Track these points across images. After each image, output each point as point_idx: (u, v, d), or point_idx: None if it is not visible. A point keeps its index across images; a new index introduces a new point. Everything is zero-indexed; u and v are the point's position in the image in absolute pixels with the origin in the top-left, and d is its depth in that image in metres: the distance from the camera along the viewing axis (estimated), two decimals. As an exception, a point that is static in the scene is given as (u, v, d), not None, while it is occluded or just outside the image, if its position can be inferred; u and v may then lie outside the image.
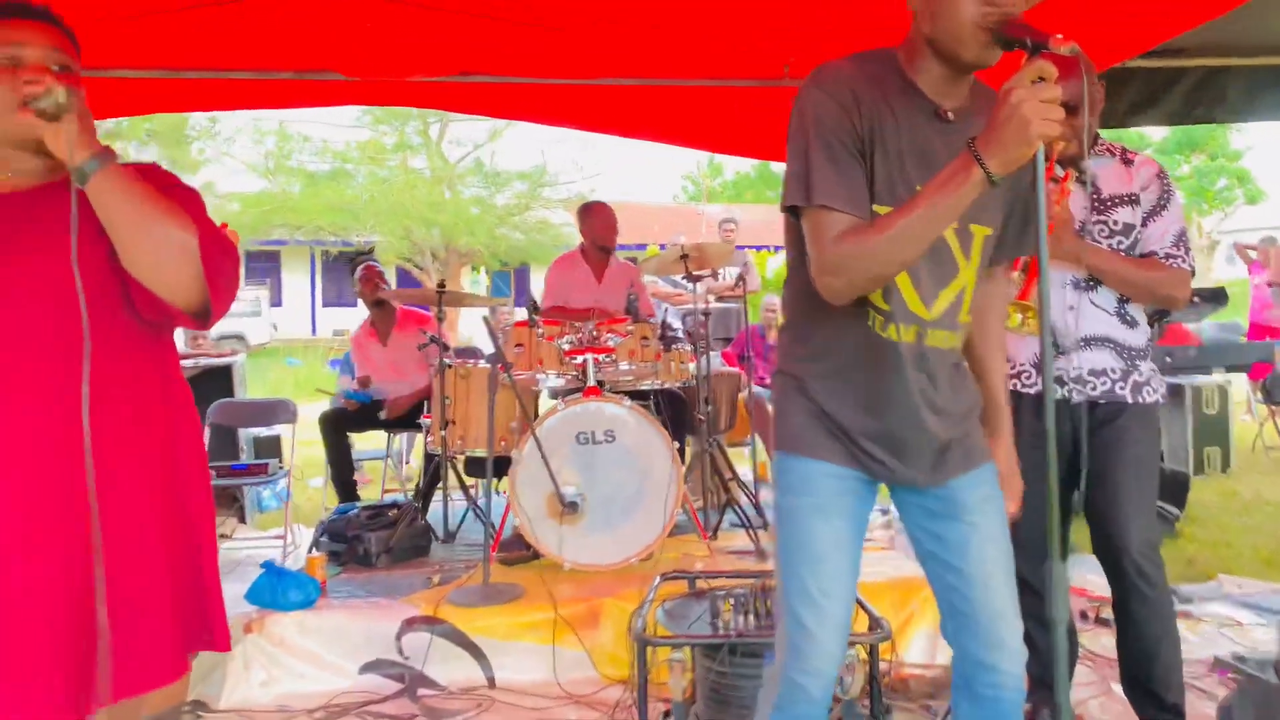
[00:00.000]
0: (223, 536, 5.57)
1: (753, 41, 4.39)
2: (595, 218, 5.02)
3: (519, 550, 3.84)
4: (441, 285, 4.20)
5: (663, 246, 10.11)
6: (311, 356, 18.93)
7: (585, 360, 3.95)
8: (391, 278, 24.96)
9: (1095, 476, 2.45)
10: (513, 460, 3.75)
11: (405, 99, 5.61)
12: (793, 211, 1.63)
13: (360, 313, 5.59)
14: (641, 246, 20.64)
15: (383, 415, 5.05)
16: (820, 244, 1.56)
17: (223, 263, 1.53)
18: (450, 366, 4.19)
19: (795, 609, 1.70)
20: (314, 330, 25.98)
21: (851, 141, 1.58)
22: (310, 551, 3.99)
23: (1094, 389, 2.48)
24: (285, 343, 22.68)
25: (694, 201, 33.49)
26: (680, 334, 4.71)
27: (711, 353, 5.02)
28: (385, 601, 3.44)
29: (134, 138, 29.61)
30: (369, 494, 6.25)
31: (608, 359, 4.01)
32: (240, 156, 24.70)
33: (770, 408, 1.83)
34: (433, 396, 4.24)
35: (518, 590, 3.47)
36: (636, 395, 4.34)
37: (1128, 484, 2.44)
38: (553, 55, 4.84)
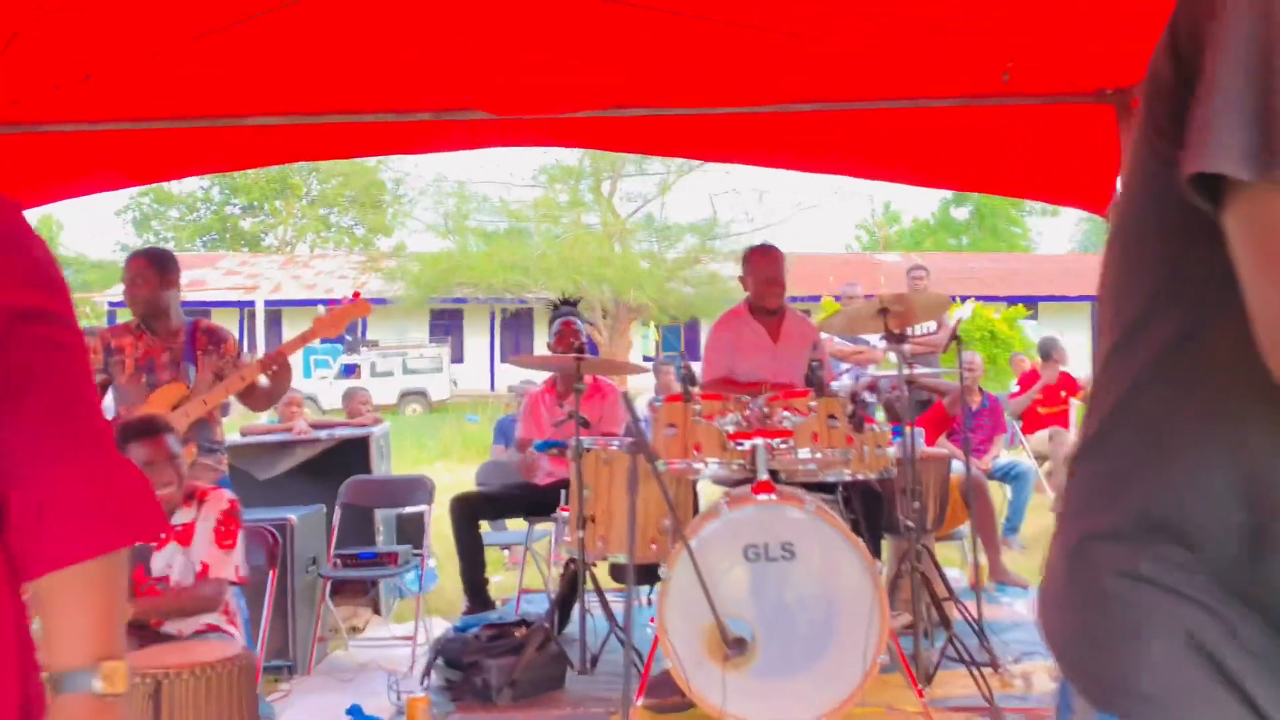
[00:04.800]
0: (353, 630, 5.00)
1: (964, 44, 3.53)
2: (750, 266, 4.21)
3: (673, 695, 2.99)
4: (580, 350, 3.46)
5: (837, 298, 9.09)
6: (490, 413, 18.99)
7: (754, 446, 3.09)
8: (563, 334, 25.10)
9: None
10: (661, 578, 2.92)
11: (555, 138, 5.07)
12: (1205, 191, 0.70)
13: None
14: (815, 298, 19.64)
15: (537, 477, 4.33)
16: None
17: None
18: (590, 450, 3.44)
19: None
20: (492, 386, 26.33)
21: None
22: (421, 683, 3.29)
23: None
24: (465, 398, 22.99)
25: (869, 251, 32.04)
26: (871, 403, 3.78)
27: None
28: (497, 766, 2.68)
29: (336, 203, 31.56)
30: (513, 582, 5.57)
31: (784, 444, 3.13)
32: (422, 218, 25.59)
33: (1071, 608, 0.86)
34: (570, 486, 3.49)
35: (665, 761, 2.62)
36: (818, 488, 3.45)
37: None
38: (712, 82, 4.17)
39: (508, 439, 7.63)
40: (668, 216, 24.49)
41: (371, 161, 27.95)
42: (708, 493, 4.27)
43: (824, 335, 6.09)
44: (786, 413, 3.16)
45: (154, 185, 31.16)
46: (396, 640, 4.74)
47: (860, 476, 3.33)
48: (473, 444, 15.70)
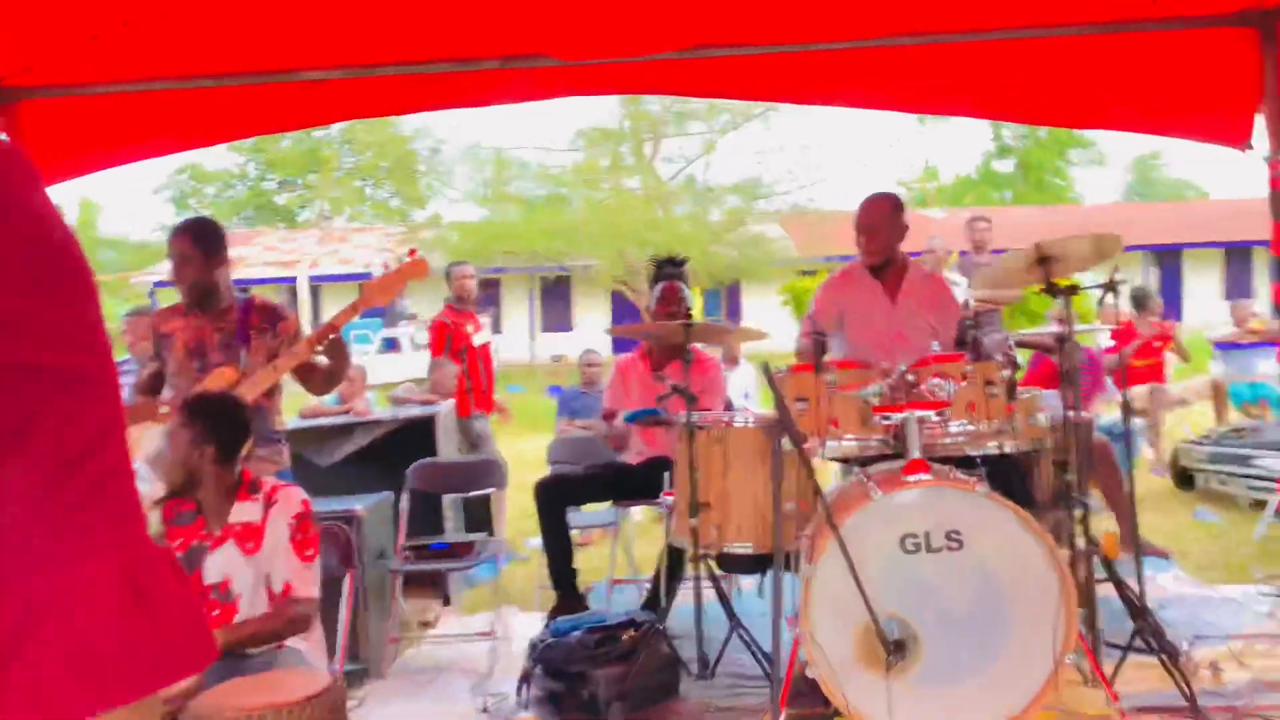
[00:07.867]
0: (424, 625, 4.65)
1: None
2: (857, 217, 3.77)
3: (818, 705, 2.59)
4: (689, 315, 3.05)
5: (915, 255, 8.63)
6: (531, 382, 18.67)
7: (904, 420, 2.66)
8: (605, 302, 24.65)
9: None
10: (802, 574, 2.52)
11: (629, 84, 4.64)
12: None
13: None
14: (851, 258, 19.12)
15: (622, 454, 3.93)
16: None
17: None
18: (702, 428, 3.03)
19: None
20: (533, 356, 26.02)
21: None
22: (519, 693, 2.92)
23: None
24: (506, 368, 22.69)
25: (913, 208, 31.26)
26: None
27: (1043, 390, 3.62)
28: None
29: (371, 175, 31.20)
30: (589, 564, 5.20)
31: (936, 417, 2.70)
32: (460, 187, 25.16)
33: None
34: (676, 469, 3.10)
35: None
36: (960, 463, 3.02)
37: None
38: (806, 16, 3.73)
39: (572, 412, 7.21)
40: (710, 178, 23.87)
41: (406, 130, 27.52)
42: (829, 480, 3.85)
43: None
44: (937, 380, 2.72)
45: (190, 163, 31.06)
46: (474, 636, 4.39)
47: (1016, 449, 2.89)
48: (522, 414, 15.37)
